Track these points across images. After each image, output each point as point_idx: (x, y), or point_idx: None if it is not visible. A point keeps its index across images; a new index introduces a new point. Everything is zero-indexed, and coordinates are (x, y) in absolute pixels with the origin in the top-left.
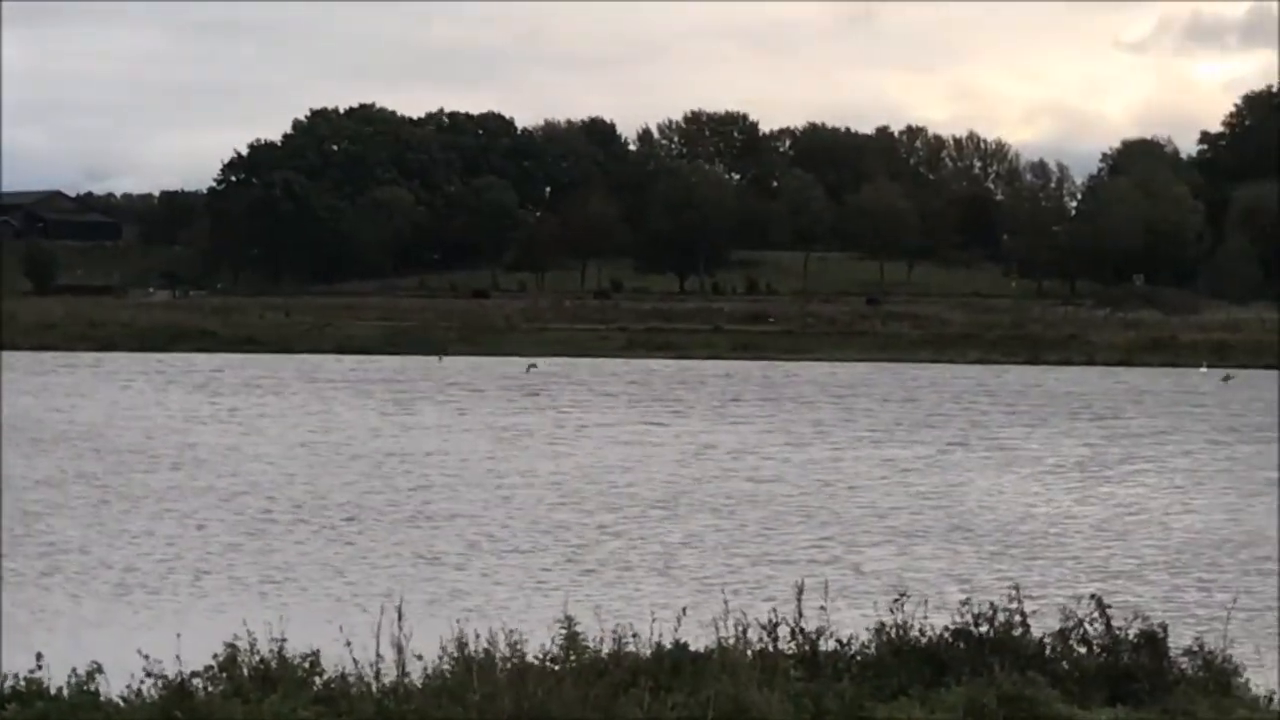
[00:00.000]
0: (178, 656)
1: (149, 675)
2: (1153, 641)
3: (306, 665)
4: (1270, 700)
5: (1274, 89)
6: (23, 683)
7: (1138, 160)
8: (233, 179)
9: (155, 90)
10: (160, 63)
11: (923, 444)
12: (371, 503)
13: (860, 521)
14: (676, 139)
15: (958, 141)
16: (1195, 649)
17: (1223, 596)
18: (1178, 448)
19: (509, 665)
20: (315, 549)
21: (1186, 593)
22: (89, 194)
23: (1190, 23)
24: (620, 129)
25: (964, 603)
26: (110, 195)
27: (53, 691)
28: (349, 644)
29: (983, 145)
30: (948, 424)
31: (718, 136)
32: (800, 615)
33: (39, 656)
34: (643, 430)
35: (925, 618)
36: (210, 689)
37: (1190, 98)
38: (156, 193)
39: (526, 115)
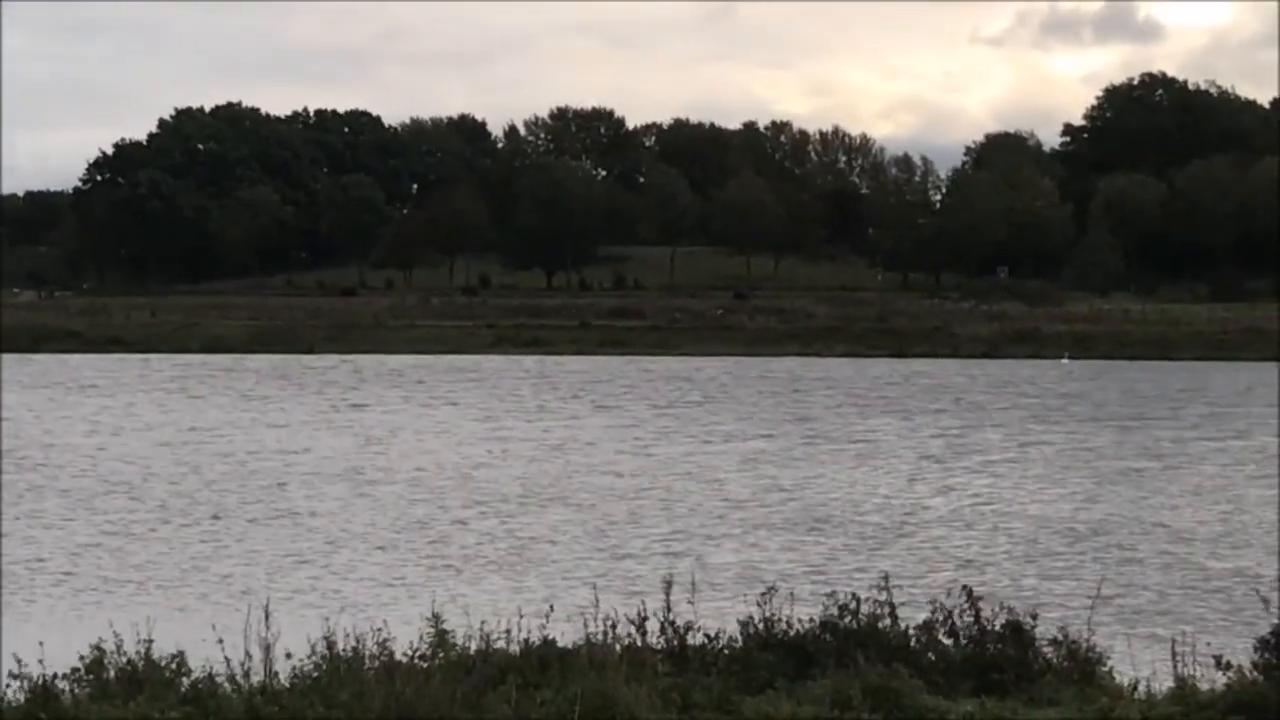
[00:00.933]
0: (40, 661)
1: (13, 678)
2: (1018, 632)
3: (173, 666)
4: (1134, 689)
5: (1135, 82)
6: None
7: (1000, 153)
8: (98, 179)
9: (18, 90)
10: (24, 62)
11: (782, 437)
12: (234, 501)
13: (719, 515)
14: (543, 135)
15: (823, 136)
16: (1060, 639)
17: (1073, 585)
18: (1033, 438)
19: (377, 664)
20: (179, 548)
21: (1039, 582)
22: None
23: (1047, 17)
24: (489, 126)
25: (829, 595)
26: None
27: None
28: (220, 642)
29: (847, 139)
30: (808, 417)
31: (584, 132)
32: (668, 610)
33: None
34: (504, 426)
35: (791, 611)
36: (76, 691)
37: (1048, 91)
38: (21, 193)
39: (393, 113)
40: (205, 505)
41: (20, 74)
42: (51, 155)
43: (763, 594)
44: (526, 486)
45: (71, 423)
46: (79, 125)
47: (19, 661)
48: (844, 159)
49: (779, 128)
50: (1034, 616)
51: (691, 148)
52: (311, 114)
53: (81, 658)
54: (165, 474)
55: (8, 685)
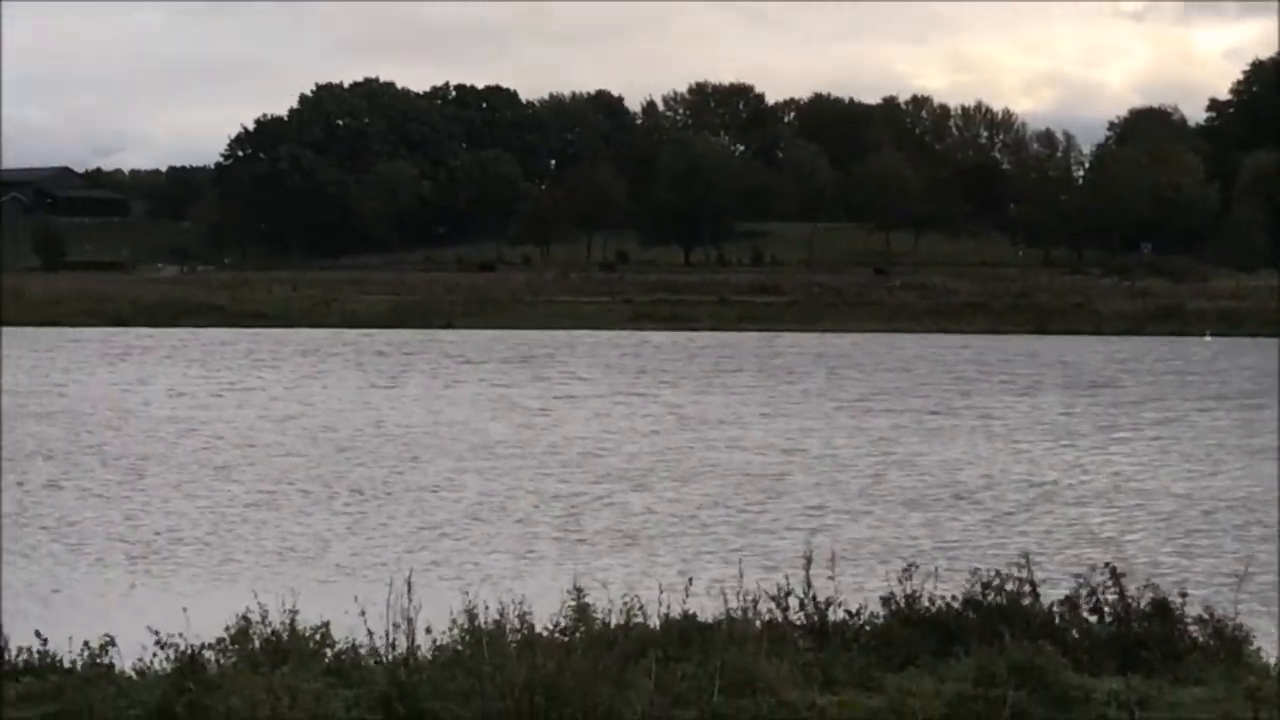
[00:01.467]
0: (182, 634)
1: (160, 647)
2: (1164, 610)
3: (317, 637)
4: None
5: None
6: (35, 656)
7: (1145, 128)
8: (239, 154)
9: (161, 66)
10: (165, 39)
11: (918, 412)
12: (370, 474)
13: (853, 490)
14: (682, 111)
15: (965, 110)
16: (1206, 617)
17: (1212, 562)
18: (1173, 414)
19: (519, 637)
20: (318, 520)
21: (1177, 559)
22: (97, 170)
23: None
24: (627, 102)
25: (971, 572)
26: (118, 171)
27: (65, 664)
28: (363, 614)
29: (989, 114)
30: (946, 392)
31: (723, 108)
32: (809, 585)
33: (41, 632)
34: (639, 401)
35: (934, 587)
36: (222, 661)
37: (1190, 66)
38: (164, 168)
39: (531, 89)
40: (342, 478)
41: (163, 51)
42: (193, 131)
43: (904, 570)
44: (660, 461)
45: (211, 395)
46: (221, 101)
47: (164, 632)
48: (985, 134)
49: (919, 103)
50: (1183, 595)
51: (831, 123)
52: (451, 90)
53: (226, 628)
54: (302, 447)
55: (154, 655)
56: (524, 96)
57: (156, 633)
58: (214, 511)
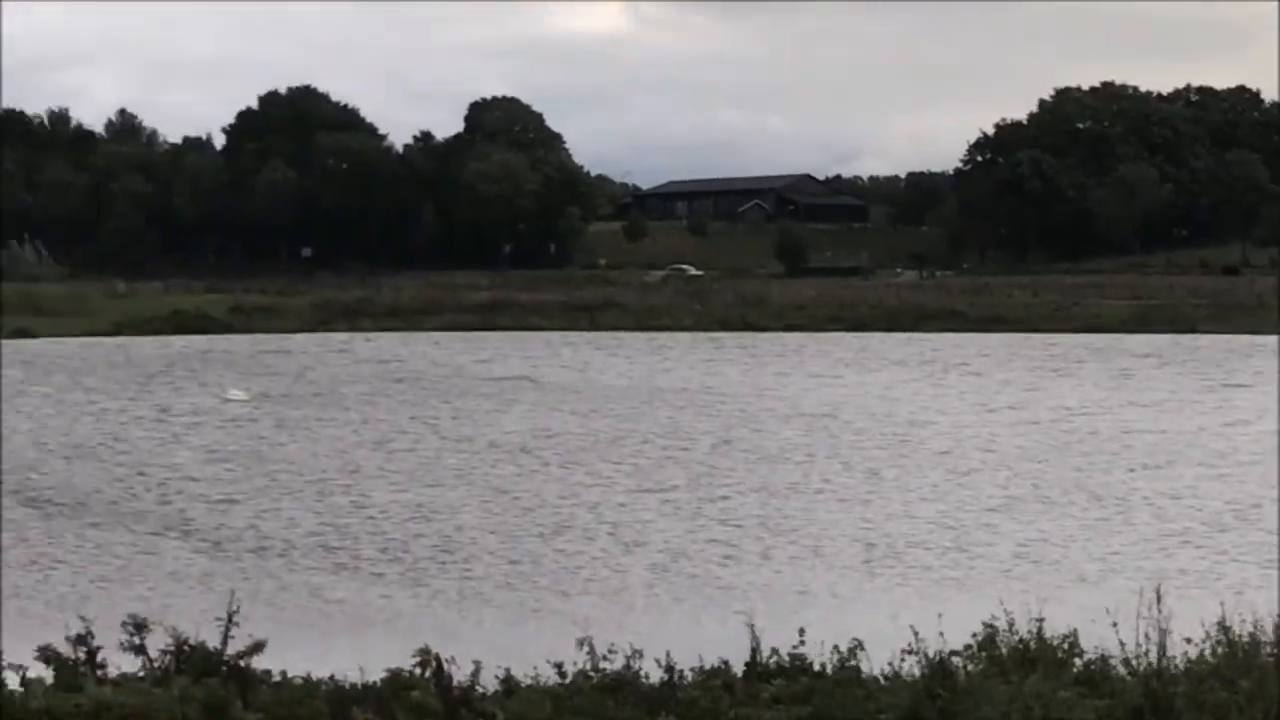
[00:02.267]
0: (938, 636)
1: (908, 653)
2: None
3: (1065, 645)
4: None
5: None
6: (787, 658)
7: None
8: (978, 159)
9: (897, 73)
10: (901, 45)
11: None
12: (1108, 480)
13: None
14: None
15: None
16: None
17: None
18: None
19: (1275, 650)
20: (1057, 526)
21: None
22: (837, 177)
23: None
24: None
25: None
26: (857, 178)
27: (815, 667)
28: (1115, 624)
29: None
30: None
31: None
32: None
33: (801, 632)
34: None
35: None
36: (970, 668)
37: None
38: (902, 174)
39: (1276, 88)
40: (1081, 484)
41: (899, 57)
42: (930, 137)
43: None
44: None
45: (948, 399)
46: (955, 107)
47: (914, 637)
48: None
49: None
50: None
51: None
52: (1193, 91)
53: (973, 634)
54: (1040, 452)
55: (902, 660)
56: (1268, 97)
57: (915, 632)
58: (952, 516)
